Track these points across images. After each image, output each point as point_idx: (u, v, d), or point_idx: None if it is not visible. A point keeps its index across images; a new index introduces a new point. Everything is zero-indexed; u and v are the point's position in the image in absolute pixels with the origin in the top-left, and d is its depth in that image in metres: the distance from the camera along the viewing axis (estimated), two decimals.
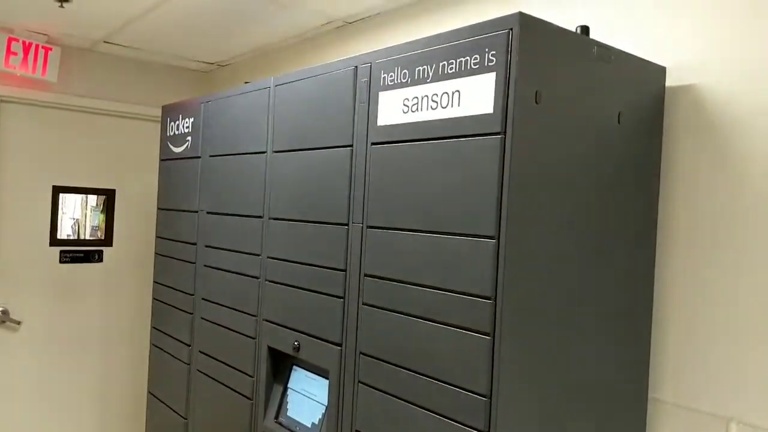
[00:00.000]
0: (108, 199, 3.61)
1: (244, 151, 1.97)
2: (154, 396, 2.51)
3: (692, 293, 1.46)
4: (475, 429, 1.19)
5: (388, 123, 1.42)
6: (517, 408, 1.20)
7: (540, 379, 1.25)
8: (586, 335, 1.34)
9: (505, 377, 1.17)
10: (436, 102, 1.30)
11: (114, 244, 3.63)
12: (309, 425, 1.66)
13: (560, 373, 1.29)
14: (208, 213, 2.17)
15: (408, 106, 1.37)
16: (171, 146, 2.47)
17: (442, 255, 1.27)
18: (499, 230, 1.16)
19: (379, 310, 1.42)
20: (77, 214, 3.52)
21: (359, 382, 1.48)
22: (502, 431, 1.17)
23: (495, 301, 1.17)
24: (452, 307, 1.25)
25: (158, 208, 2.55)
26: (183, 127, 2.39)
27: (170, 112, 2.51)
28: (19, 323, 3.30)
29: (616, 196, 1.39)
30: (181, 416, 2.27)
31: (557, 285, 1.27)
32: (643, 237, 1.47)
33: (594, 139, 1.32)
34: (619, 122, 1.38)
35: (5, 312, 3.27)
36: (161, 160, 2.55)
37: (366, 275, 1.47)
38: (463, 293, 1.22)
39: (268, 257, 1.83)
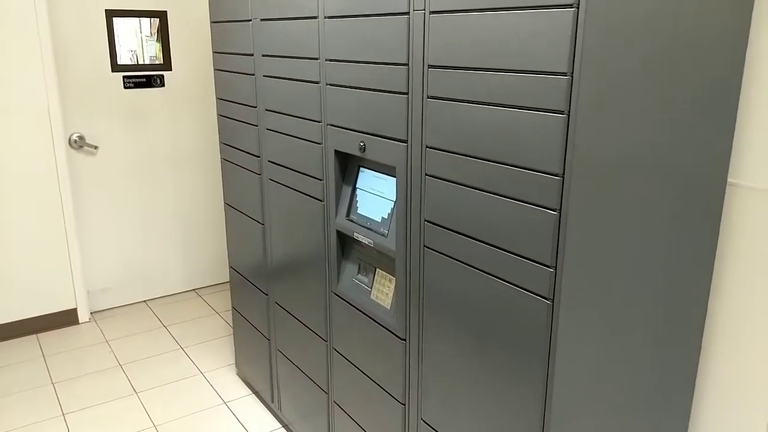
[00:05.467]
0: (161, 22, 3.55)
1: None
2: (231, 206, 2.66)
3: None
4: (546, 208, 1.21)
5: None
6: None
7: (606, 253, 1.22)
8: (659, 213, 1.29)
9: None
10: None
11: (173, 68, 3.65)
12: (379, 220, 1.73)
13: (628, 249, 1.28)
14: (261, 20, 2.10)
15: None
16: None
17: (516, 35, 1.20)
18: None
19: (446, 101, 1.40)
20: (134, 46, 3.51)
21: (426, 175, 1.50)
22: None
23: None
24: (528, 89, 1.20)
25: (211, 22, 2.49)
26: None
27: None
28: (96, 147, 3.47)
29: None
30: (258, 222, 2.41)
31: (630, 160, 1.20)
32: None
33: None
34: None
35: (81, 137, 3.43)
36: None
37: (431, 66, 1.42)
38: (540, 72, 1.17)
39: (326, 60, 1.79)
